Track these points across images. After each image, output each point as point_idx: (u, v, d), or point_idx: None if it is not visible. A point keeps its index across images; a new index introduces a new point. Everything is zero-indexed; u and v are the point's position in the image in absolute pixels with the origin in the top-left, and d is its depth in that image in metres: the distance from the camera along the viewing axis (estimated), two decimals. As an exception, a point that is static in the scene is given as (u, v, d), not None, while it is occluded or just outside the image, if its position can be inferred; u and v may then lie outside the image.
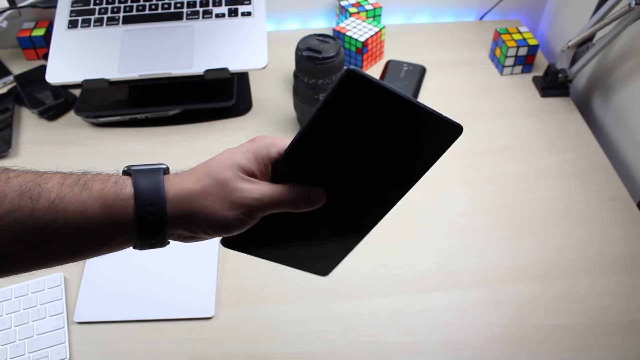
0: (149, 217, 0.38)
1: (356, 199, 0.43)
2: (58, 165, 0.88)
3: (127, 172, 0.40)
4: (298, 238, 0.46)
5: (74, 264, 0.41)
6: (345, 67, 0.35)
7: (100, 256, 0.41)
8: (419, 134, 0.40)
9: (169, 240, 0.42)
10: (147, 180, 0.39)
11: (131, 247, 0.41)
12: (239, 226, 0.40)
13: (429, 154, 0.41)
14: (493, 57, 1.04)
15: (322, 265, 0.49)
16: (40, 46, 1.03)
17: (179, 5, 0.93)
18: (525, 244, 0.74)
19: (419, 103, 0.38)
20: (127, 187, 0.39)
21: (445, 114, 0.39)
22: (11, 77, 1.00)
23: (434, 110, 0.39)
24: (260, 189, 0.40)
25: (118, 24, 0.91)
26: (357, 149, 0.39)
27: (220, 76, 0.87)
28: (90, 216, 0.37)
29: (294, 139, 0.40)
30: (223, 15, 0.92)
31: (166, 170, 0.41)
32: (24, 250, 0.37)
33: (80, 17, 0.92)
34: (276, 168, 0.41)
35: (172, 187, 0.39)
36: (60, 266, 0.40)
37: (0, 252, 0.36)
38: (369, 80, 0.35)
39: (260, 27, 0.91)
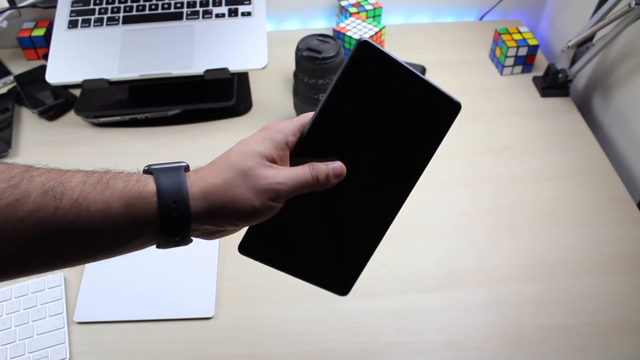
0: (173, 214, 0.38)
1: (372, 185, 0.44)
2: (58, 166, 0.88)
3: (147, 171, 0.41)
4: (318, 238, 0.45)
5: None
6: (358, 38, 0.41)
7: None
8: (422, 107, 0.43)
9: (192, 238, 0.41)
10: (169, 178, 0.39)
11: (154, 247, 0.41)
12: (265, 213, 0.40)
13: (433, 131, 0.44)
14: (493, 57, 1.04)
15: (341, 279, 0.47)
16: (40, 46, 1.03)
17: (179, 5, 0.93)
18: (525, 244, 0.74)
19: (421, 75, 0.42)
20: (149, 184, 0.39)
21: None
22: (11, 77, 1.00)
23: (435, 83, 0.42)
24: (283, 172, 0.41)
25: (118, 24, 0.91)
26: (370, 121, 0.42)
27: (220, 76, 0.87)
28: (113, 214, 0.37)
29: (315, 113, 0.42)
30: (223, 15, 0.92)
31: (187, 168, 0.41)
32: (47, 250, 0.37)
33: (80, 17, 0.92)
34: (295, 150, 0.42)
35: (195, 183, 0.39)
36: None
37: (25, 252, 0.36)
38: (378, 48, 0.40)
39: (260, 27, 0.90)
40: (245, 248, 0.43)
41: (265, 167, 0.40)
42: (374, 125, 0.42)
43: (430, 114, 0.43)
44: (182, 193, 0.39)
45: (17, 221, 0.35)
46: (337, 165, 0.42)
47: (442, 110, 0.43)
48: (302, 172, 0.41)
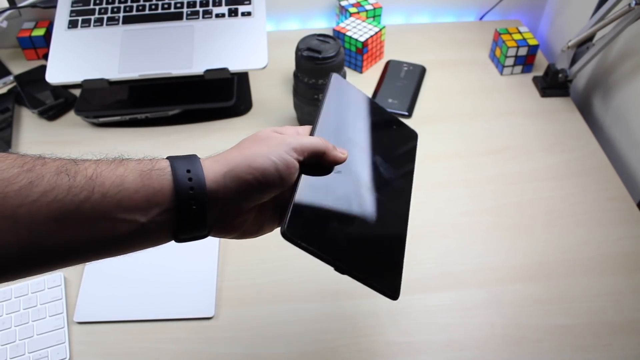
0: (187, 180, 0.39)
1: (380, 190, 0.49)
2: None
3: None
4: (358, 231, 0.44)
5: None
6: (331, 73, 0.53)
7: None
8: (390, 130, 0.54)
9: (210, 229, 0.42)
10: (181, 158, 0.41)
11: (172, 241, 0.41)
12: (284, 170, 0.41)
13: (406, 152, 0.54)
14: (493, 57, 1.04)
15: (389, 281, 0.44)
16: (40, 46, 1.03)
17: (179, 5, 0.93)
18: (525, 243, 0.74)
19: (378, 104, 0.56)
20: (162, 161, 0.40)
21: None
22: (11, 77, 1.00)
23: (389, 111, 0.56)
24: (295, 135, 0.45)
25: (118, 24, 0.91)
26: (356, 139, 0.50)
27: (220, 76, 0.87)
28: (128, 188, 0.37)
29: (312, 128, 0.48)
30: (223, 15, 0.92)
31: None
32: (60, 233, 0.36)
33: (80, 17, 0.92)
34: None
35: (207, 158, 0.42)
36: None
37: (38, 236, 0.35)
38: (344, 80, 0.53)
39: (260, 27, 0.91)
40: (288, 228, 0.39)
41: (276, 133, 0.44)
42: (359, 143, 0.50)
43: (398, 137, 0.54)
44: (195, 163, 0.40)
45: (30, 203, 0.34)
46: (342, 149, 0.47)
47: (406, 134, 0.55)
48: (313, 137, 0.45)
